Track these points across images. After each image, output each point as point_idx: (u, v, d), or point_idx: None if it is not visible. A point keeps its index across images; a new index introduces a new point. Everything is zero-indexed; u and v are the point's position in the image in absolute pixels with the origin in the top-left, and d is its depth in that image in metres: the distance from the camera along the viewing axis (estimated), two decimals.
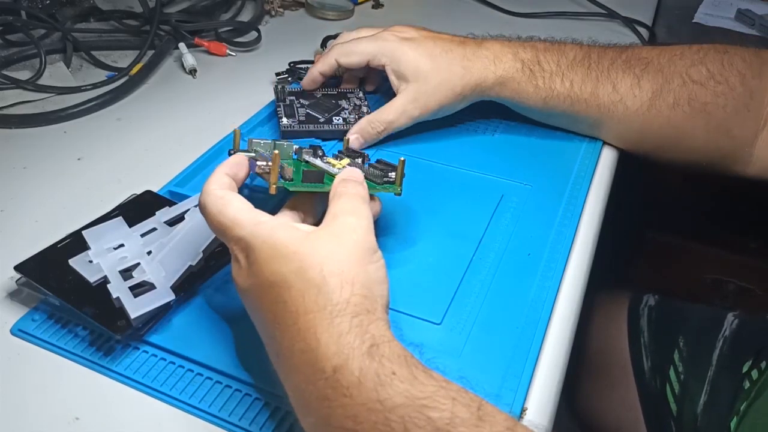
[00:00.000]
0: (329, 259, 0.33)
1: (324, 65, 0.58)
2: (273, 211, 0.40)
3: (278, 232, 0.35)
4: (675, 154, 0.59)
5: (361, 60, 0.57)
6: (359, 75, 0.64)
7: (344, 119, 0.60)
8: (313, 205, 0.42)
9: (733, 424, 0.57)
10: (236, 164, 0.41)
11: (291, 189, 0.41)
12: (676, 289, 1.03)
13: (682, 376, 0.66)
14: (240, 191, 0.39)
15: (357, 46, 0.57)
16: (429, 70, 0.55)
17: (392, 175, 0.44)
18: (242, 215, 0.36)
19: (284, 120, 0.59)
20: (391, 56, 0.56)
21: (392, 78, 0.57)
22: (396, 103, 0.56)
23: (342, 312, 0.32)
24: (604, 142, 0.62)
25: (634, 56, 0.56)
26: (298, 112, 0.60)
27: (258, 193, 0.50)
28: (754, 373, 0.60)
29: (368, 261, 0.35)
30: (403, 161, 0.44)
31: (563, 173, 0.58)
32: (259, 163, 0.42)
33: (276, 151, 0.40)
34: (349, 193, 0.38)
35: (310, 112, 0.60)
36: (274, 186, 0.40)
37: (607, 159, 0.61)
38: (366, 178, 0.43)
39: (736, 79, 0.54)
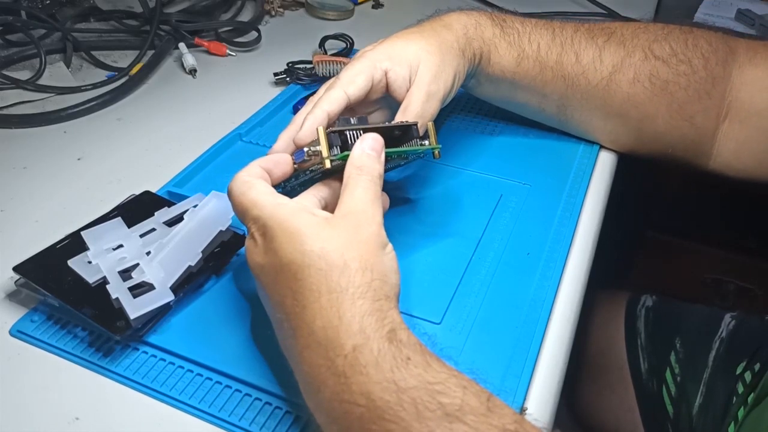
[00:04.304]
0: (349, 245, 0.34)
1: (332, 103, 0.45)
2: None
3: (298, 215, 0.36)
4: (639, 140, 0.58)
5: (366, 79, 0.47)
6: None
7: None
8: (338, 192, 0.41)
9: (731, 430, 0.57)
10: (274, 161, 0.41)
11: (342, 156, 0.40)
12: (675, 289, 1.03)
13: (678, 378, 0.66)
14: None
15: (352, 70, 0.48)
16: (426, 43, 0.49)
17: (426, 142, 0.45)
18: (263, 197, 0.37)
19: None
20: (388, 55, 0.48)
21: (397, 80, 0.49)
22: (416, 92, 0.48)
23: (363, 295, 0.33)
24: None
25: (597, 27, 0.56)
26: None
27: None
28: (747, 375, 0.60)
29: (383, 252, 0.36)
30: (432, 124, 0.45)
31: (562, 172, 0.58)
32: (306, 149, 0.41)
33: (320, 127, 0.40)
34: (365, 186, 0.38)
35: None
36: (328, 159, 0.39)
37: (606, 158, 0.61)
38: (404, 149, 0.43)
39: (699, 62, 0.54)
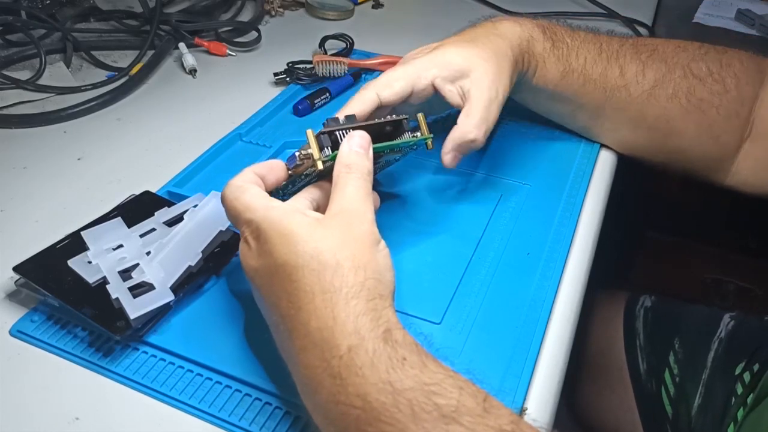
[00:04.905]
0: (341, 245, 0.34)
1: (364, 103, 0.47)
2: None
3: (290, 217, 0.36)
4: (660, 152, 0.59)
5: (405, 86, 0.48)
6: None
7: None
8: (329, 192, 0.42)
9: (730, 430, 0.57)
10: (268, 167, 0.41)
11: (333, 156, 0.40)
12: (675, 289, 1.03)
13: (677, 379, 0.66)
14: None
15: (393, 74, 0.48)
16: (480, 50, 0.49)
17: (417, 134, 0.45)
18: (255, 200, 0.37)
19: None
20: (438, 64, 0.48)
21: (447, 88, 0.49)
22: (477, 98, 0.48)
23: (357, 294, 0.33)
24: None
25: (641, 42, 0.57)
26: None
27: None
28: (746, 376, 0.60)
29: (376, 249, 0.36)
30: (422, 115, 0.45)
31: (562, 172, 0.58)
32: (296, 153, 0.41)
33: (309, 130, 0.40)
34: (355, 184, 0.38)
35: None
36: (320, 161, 0.39)
37: (606, 158, 0.61)
38: (394, 142, 0.43)
39: (731, 82, 0.54)
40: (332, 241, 0.34)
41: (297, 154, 0.41)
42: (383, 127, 0.43)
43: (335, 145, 0.40)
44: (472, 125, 0.47)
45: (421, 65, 0.48)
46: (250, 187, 0.39)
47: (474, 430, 0.29)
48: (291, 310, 0.34)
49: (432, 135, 0.45)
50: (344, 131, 0.41)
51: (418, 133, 0.45)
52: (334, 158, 0.40)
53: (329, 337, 0.32)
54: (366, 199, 0.37)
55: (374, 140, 0.41)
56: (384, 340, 0.32)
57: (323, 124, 0.42)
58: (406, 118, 0.44)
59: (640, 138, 0.59)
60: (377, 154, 0.42)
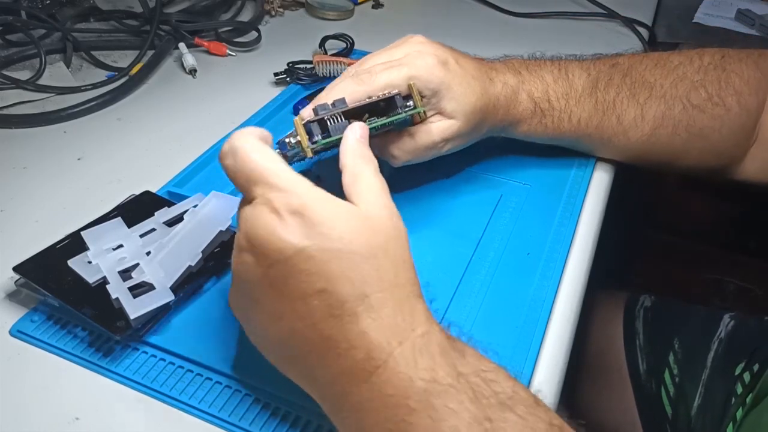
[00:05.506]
0: (395, 241, 0.35)
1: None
2: None
3: (336, 203, 0.34)
4: (666, 168, 0.60)
5: (402, 91, 0.46)
6: None
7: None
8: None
9: (729, 430, 0.57)
10: (264, 136, 0.40)
11: (324, 143, 0.41)
12: (675, 289, 1.03)
13: (677, 379, 0.66)
14: None
15: (399, 75, 0.45)
16: (473, 111, 0.49)
17: (410, 103, 0.45)
18: (287, 173, 0.34)
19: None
20: (436, 90, 0.47)
21: (426, 93, 0.48)
22: (426, 137, 0.48)
23: (419, 293, 0.34)
24: None
25: (639, 81, 0.54)
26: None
27: None
28: (746, 376, 0.60)
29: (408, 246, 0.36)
30: (414, 85, 0.45)
31: (562, 172, 0.58)
32: (287, 140, 0.41)
33: (296, 118, 0.40)
34: (374, 173, 0.36)
35: None
36: (310, 149, 0.40)
37: (606, 159, 0.61)
38: (388, 119, 0.44)
39: (732, 100, 0.54)
40: (393, 236, 0.35)
41: (287, 141, 0.41)
42: (377, 105, 0.44)
43: (325, 130, 0.41)
44: (402, 149, 0.49)
45: (427, 80, 0.47)
46: (272, 153, 0.35)
47: (527, 420, 0.31)
48: (363, 294, 0.32)
49: (425, 107, 0.46)
50: (335, 116, 0.41)
51: (410, 103, 0.45)
52: (324, 144, 0.40)
53: (404, 322, 0.33)
54: (386, 191, 0.36)
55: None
56: (442, 331, 0.33)
57: (313, 110, 0.42)
58: (398, 94, 0.45)
59: (644, 162, 0.59)
60: (375, 130, 0.43)
